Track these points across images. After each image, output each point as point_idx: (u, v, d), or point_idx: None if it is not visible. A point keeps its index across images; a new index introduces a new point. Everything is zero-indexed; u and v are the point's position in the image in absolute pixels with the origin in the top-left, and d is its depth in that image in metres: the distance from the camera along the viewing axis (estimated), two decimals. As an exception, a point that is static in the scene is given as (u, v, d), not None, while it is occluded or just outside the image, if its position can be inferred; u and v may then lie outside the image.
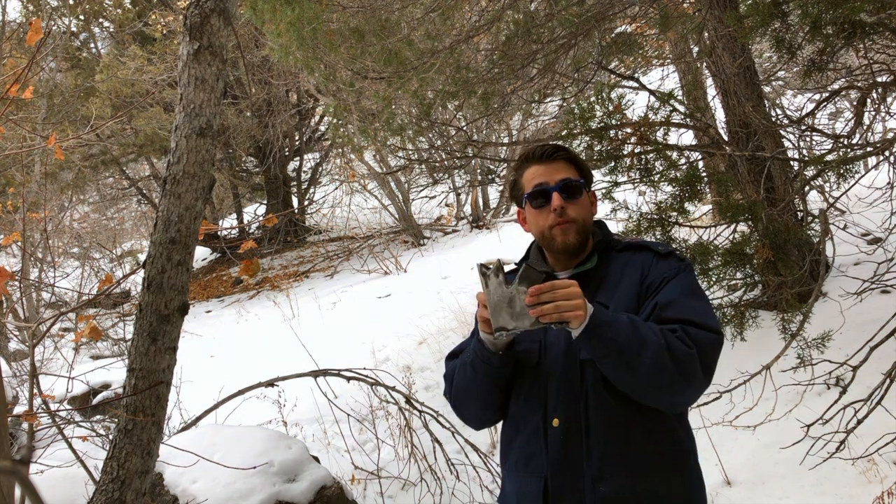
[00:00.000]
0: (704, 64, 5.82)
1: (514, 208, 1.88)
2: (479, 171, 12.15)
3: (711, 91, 6.47)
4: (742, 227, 3.98)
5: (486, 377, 1.69)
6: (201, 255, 15.21)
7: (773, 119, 4.74)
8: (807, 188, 4.01)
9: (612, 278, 1.71)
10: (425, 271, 9.38)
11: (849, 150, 3.68)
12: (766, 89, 6.78)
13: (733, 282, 3.99)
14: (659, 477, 1.58)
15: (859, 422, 3.07)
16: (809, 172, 3.75)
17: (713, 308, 1.89)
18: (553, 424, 1.63)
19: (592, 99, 3.86)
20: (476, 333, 1.73)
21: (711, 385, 1.66)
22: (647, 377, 1.51)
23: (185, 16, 2.22)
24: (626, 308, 1.63)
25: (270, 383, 4.51)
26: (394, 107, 5.48)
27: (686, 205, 3.80)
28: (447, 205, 13.91)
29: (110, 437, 3.91)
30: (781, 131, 4.56)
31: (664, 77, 7.59)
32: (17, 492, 1.82)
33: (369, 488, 4.42)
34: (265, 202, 14.88)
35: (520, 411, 1.70)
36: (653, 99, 3.95)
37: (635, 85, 4.44)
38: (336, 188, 14.55)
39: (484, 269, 1.52)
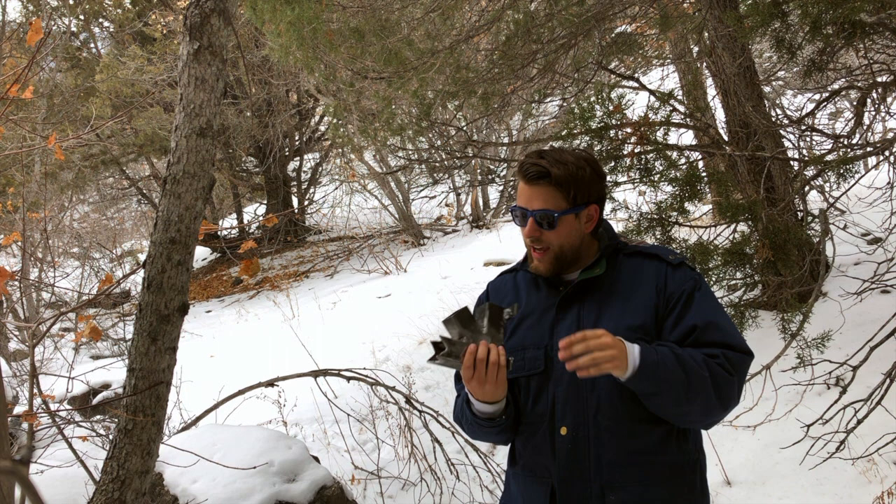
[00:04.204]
0: (704, 64, 5.82)
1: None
2: (479, 171, 12.15)
3: (711, 91, 6.47)
4: (742, 227, 3.98)
5: (493, 430, 1.70)
6: (201, 255, 15.21)
7: (773, 119, 4.74)
8: (807, 188, 4.00)
9: (623, 285, 1.68)
10: (425, 271, 9.37)
11: (849, 150, 3.68)
12: (766, 89, 6.79)
13: (733, 282, 3.98)
14: (667, 486, 1.58)
15: (859, 422, 3.07)
16: (809, 172, 3.75)
17: None
18: (561, 433, 1.62)
19: (592, 99, 3.86)
20: (467, 399, 1.70)
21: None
22: (691, 410, 1.55)
23: (185, 16, 2.22)
24: (642, 318, 1.61)
25: (270, 383, 4.50)
26: (394, 107, 5.48)
27: (686, 205, 3.79)
28: (447, 205, 13.91)
29: (110, 437, 3.91)
30: (781, 131, 4.56)
31: (664, 77, 7.59)
32: (17, 492, 1.82)
33: (369, 488, 4.42)
34: (265, 202, 14.89)
35: (528, 417, 1.69)
36: (653, 99, 3.95)
37: (635, 85, 4.44)
38: (336, 188, 14.55)
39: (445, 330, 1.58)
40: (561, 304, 1.68)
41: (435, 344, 1.57)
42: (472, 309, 1.62)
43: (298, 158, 14.85)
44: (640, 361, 1.47)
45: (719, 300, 1.72)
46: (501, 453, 4.54)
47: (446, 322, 1.57)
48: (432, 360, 1.55)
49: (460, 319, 1.55)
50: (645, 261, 1.70)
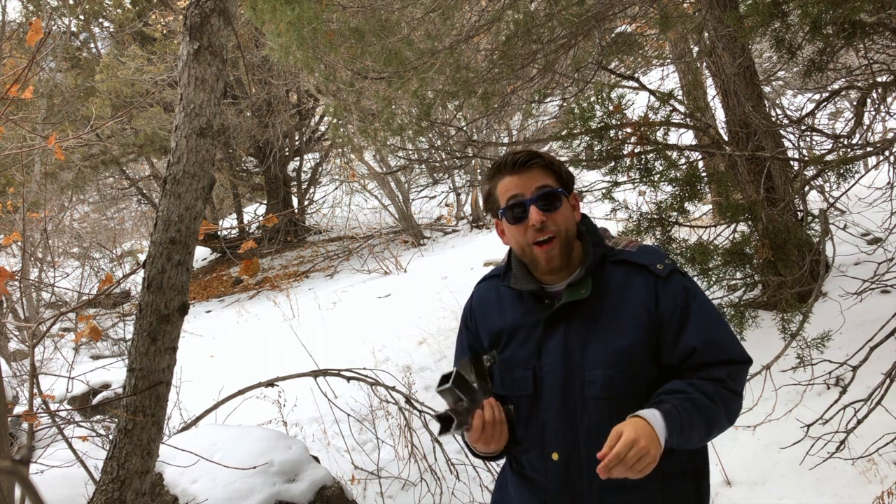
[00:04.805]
0: (704, 64, 5.82)
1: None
2: (479, 171, 12.15)
3: (711, 91, 6.47)
4: (742, 227, 3.98)
5: (493, 461, 1.75)
6: (201, 255, 15.21)
7: (773, 119, 4.74)
8: (807, 188, 4.00)
9: (611, 303, 1.61)
10: (425, 271, 9.37)
11: (849, 150, 3.68)
12: (766, 89, 6.79)
13: (733, 282, 3.98)
14: (657, 496, 1.60)
15: (859, 422, 3.07)
16: (809, 172, 3.75)
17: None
18: (553, 458, 1.62)
19: (592, 99, 3.85)
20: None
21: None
22: (708, 441, 1.60)
23: (185, 16, 2.22)
24: (632, 339, 1.57)
25: (270, 383, 4.50)
26: (394, 107, 5.48)
27: (686, 205, 3.79)
28: (447, 205, 13.92)
29: (110, 437, 3.91)
30: (781, 131, 4.56)
31: (664, 77, 7.59)
32: (17, 492, 1.82)
33: (369, 488, 4.41)
34: (265, 202, 14.89)
35: (521, 435, 1.68)
36: (653, 99, 3.95)
37: (635, 85, 4.43)
38: (336, 188, 14.56)
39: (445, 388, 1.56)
40: (547, 321, 1.64)
41: (441, 417, 1.55)
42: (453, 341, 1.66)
43: (298, 158, 14.85)
44: (668, 433, 1.47)
45: (713, 302, 1.72)
46: (501, 453, 4.53)
47: (442, 392, 1.54)
48: (444, 433, 1.54)
49: (456, 384, 1.54)
50: (633, 273, 1.63)
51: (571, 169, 2.89)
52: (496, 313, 1.73)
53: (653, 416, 1.47)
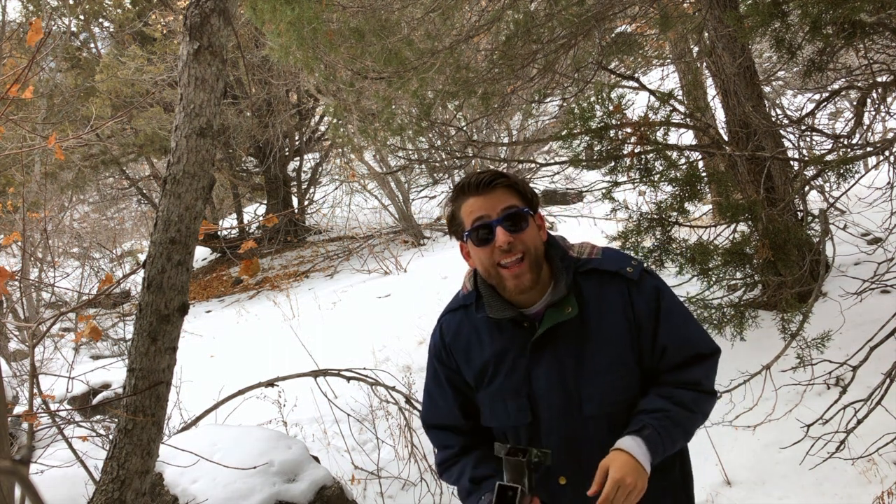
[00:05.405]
0: (704, 64, 5.82)
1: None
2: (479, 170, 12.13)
3: (711, 91, 6.47)
4: (742, 227, 3.98)
5: None
6: (201, 255, 15.21)
7: (773, 119, 4.74)
8: (807, 188, 4.01)
9: (593, 320, 1.60)
10: (425, 271, 9.37)
11: (849, 150, 3.69)
12: (766, 89, 6.79)
13: (733, 282, 3.99)
14: (655, 494, 1.60)
15: (859, 422, 3.07)
16: (809, 172, 3.75)
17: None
18: (559, 482, 1.62)
19: (592, 99, 3.86)
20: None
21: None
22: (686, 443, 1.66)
23: (185, 16, 2.22)
24: (619, 350, 1.59)
25: (270, 383, 4.51)
26: (394, 107, 5.48)
27: (686, 205, 3.80)
28: (447, 205, 13.90)
29: (110, 437, 3.91)
30: (781, 131, 4.56)
31: (664, 77, 7.59)
32: (17, 492, 1.82)
33: (369, 488, 4.41)
34: (265, 202, 14.89)
35: None
36: (653, 99, 3.95)
37: (635, 85, 4.43)
38: (336, 188, 14.55)
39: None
40: (534, 347, 1.61)
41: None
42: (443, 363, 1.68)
43: (298, 158, 14.85)
44: (652, 458, 1.52)
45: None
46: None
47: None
48: None
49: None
50: (605, 281, 1.62)
51: (571, 169, 2.91)
52: (477, 348, 1.69)
53: (637, 446, 1.50)
